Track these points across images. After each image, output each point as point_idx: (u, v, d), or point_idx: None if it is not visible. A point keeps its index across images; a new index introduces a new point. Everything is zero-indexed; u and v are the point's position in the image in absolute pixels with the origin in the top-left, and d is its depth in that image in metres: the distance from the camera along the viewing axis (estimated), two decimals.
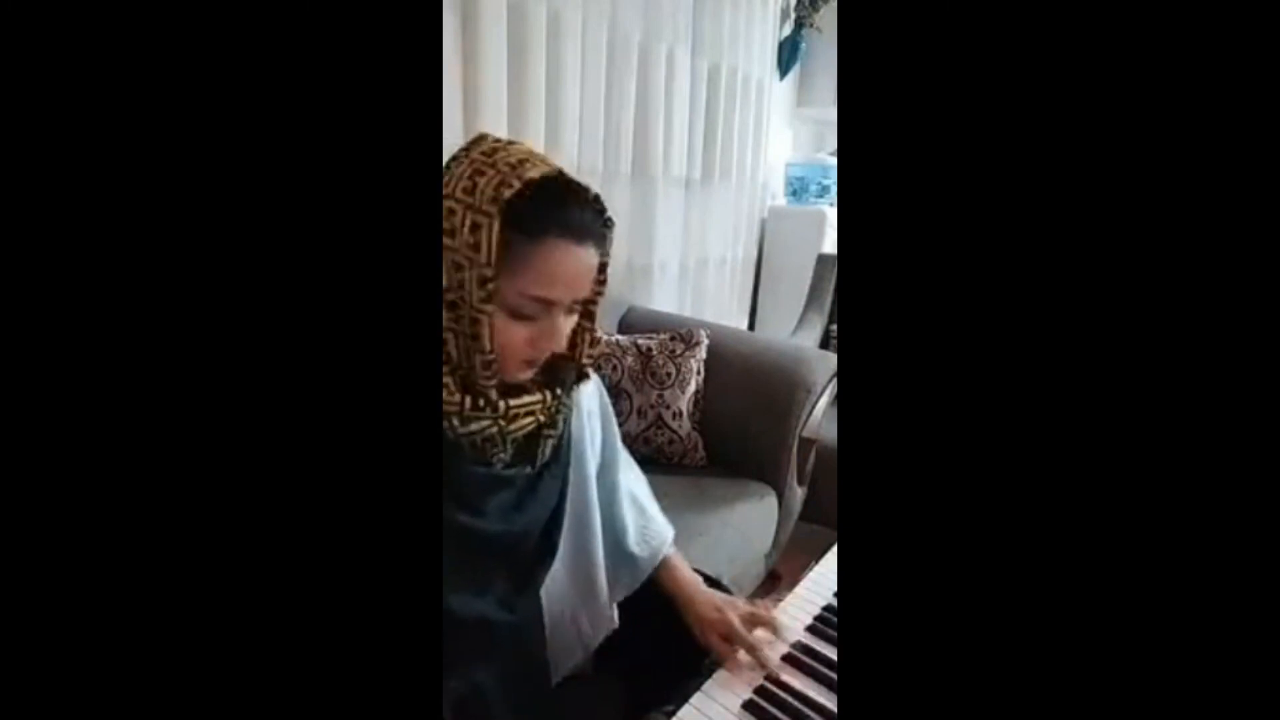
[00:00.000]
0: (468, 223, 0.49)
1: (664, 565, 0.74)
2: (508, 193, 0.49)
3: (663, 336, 1.32)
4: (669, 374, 1.28)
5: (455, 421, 0.52)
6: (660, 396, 1.27)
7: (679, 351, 1.30)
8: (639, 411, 1.27)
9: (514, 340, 0.53)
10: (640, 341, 1.32)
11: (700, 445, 1.28)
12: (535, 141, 1.38)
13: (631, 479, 0.77)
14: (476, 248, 0.49)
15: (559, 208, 0.51)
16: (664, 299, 1.91)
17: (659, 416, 1.26)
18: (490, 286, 0.49)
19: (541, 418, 0.58)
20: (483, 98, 1.25)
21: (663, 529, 0.76)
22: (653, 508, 0.78)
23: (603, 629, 0.69)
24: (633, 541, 0.73)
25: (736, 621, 0.65)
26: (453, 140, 1.21)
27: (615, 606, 0.71)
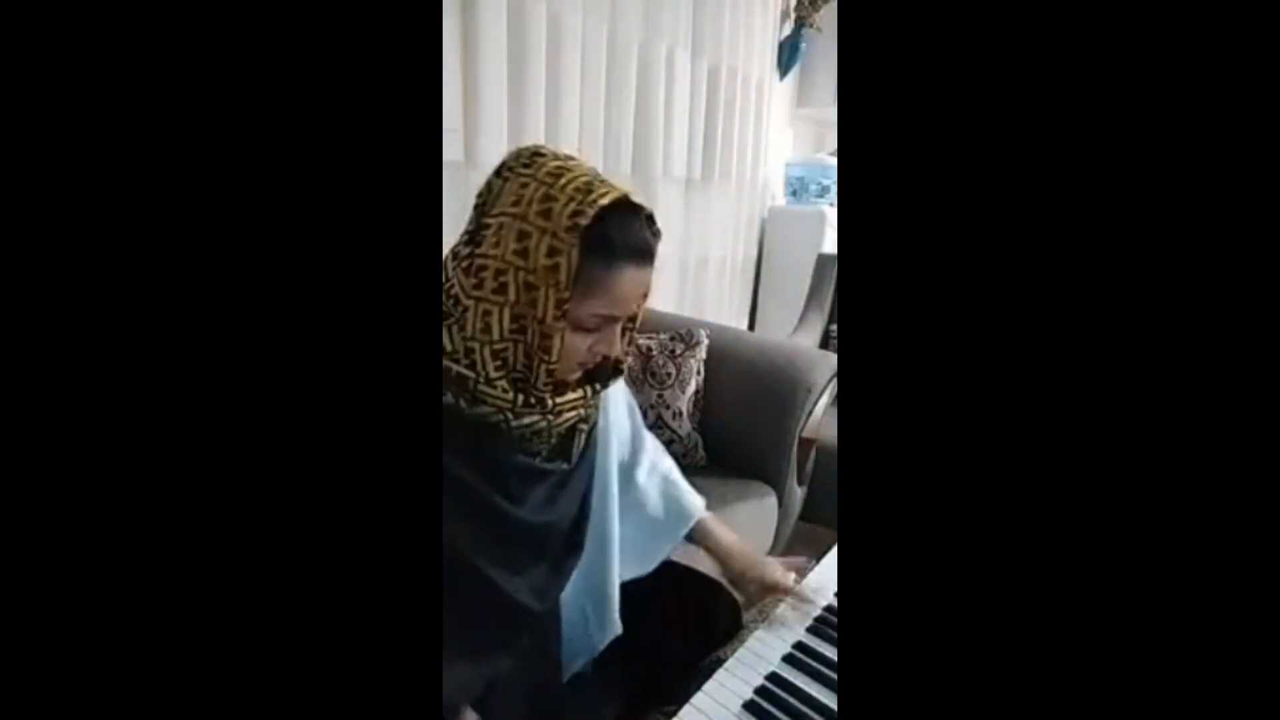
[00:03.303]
0: (544, 247, 0.51)
1: (700, 528, 0.78)
2: (584, 221, 0.51)
3: (663, 336, 1.32)
4: (669, 374, 1.28)
5: (509, 415, 0.55)
6: (660, 396, 1.27)
7: (679, 351, 1.29)
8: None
9: (577, 350, 0.56)
10: (640, 341, 1.31)
11: (700, 445, 1.28)
12: (535, 141, 1.38)
13: (661, 459, 0.82)
14: (554, 271, 0.51)
15: (629, 233, 0.54)
16: (664, 299, 1.91)
17: (659, 416, 1.26)
18: (565, 308, 0.52)
19: (582, 412, 0.61)
20: (483, 98, 1.25)
21: (694, 497, 0.81)
22: (682, 481, 0.82)
23: (608, 631, 0.70)
24: (664, 511, 0.77)
25: (771, 574, 0.71)
26: (452, 140, 1.21)
27: (619, 610, 0.71)
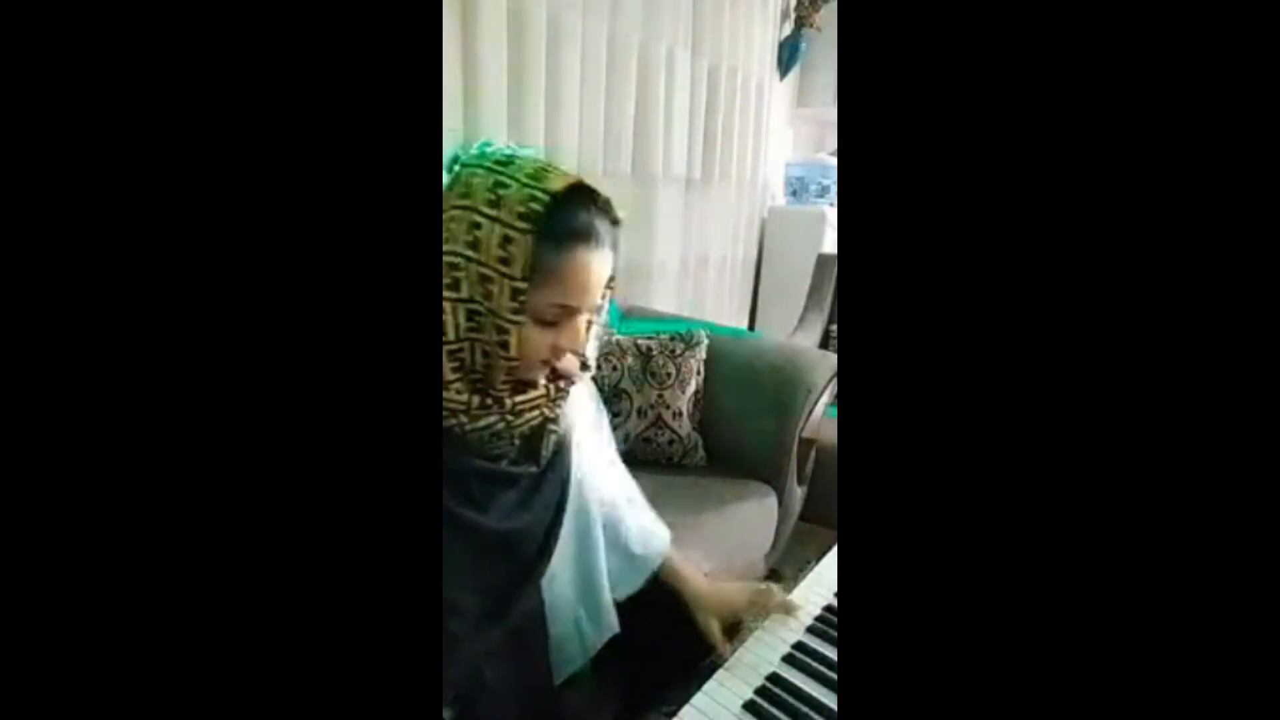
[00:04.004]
0: (496, 236, 0.50)
1: (665, 566, 0.75)
2: (536, 206, 0.49)
3: (663, 336, 1.32)
4: (669, 374, 1.28)
5: (463, 419, 0.53)
6: (660, 396, 1.27)
7: (679, 351, 1.29)
8: (639, 411, 1.26)
9: (538, 345, 0.54)
10: (640, 341, 1.31)
11: (700, 445, 1.28)
12: (535, 141, 1.38)
13: (626, 483, 0.78)
14: (507, 261, 0.50)
15: (582, 218, 0.52)
16: (664, 299, 1.90)
17: (659, 416, 1.26)
18: (522, 299, 0.50)
19: (545, 411, 0.59)
20: (483, 98, 1.25)
21: (661, 529, 0.78)
22: (648, 510, 0.79)
23: (603, 630, 0.70)
24: (636, 543, 0.74)
25: (741, 602, 0.69)
26: (452, 141, 1.21)
27: (615, 610, 0.71)
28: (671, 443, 1.26)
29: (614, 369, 1.28)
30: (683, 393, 1.27)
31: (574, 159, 1.50)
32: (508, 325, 0.51)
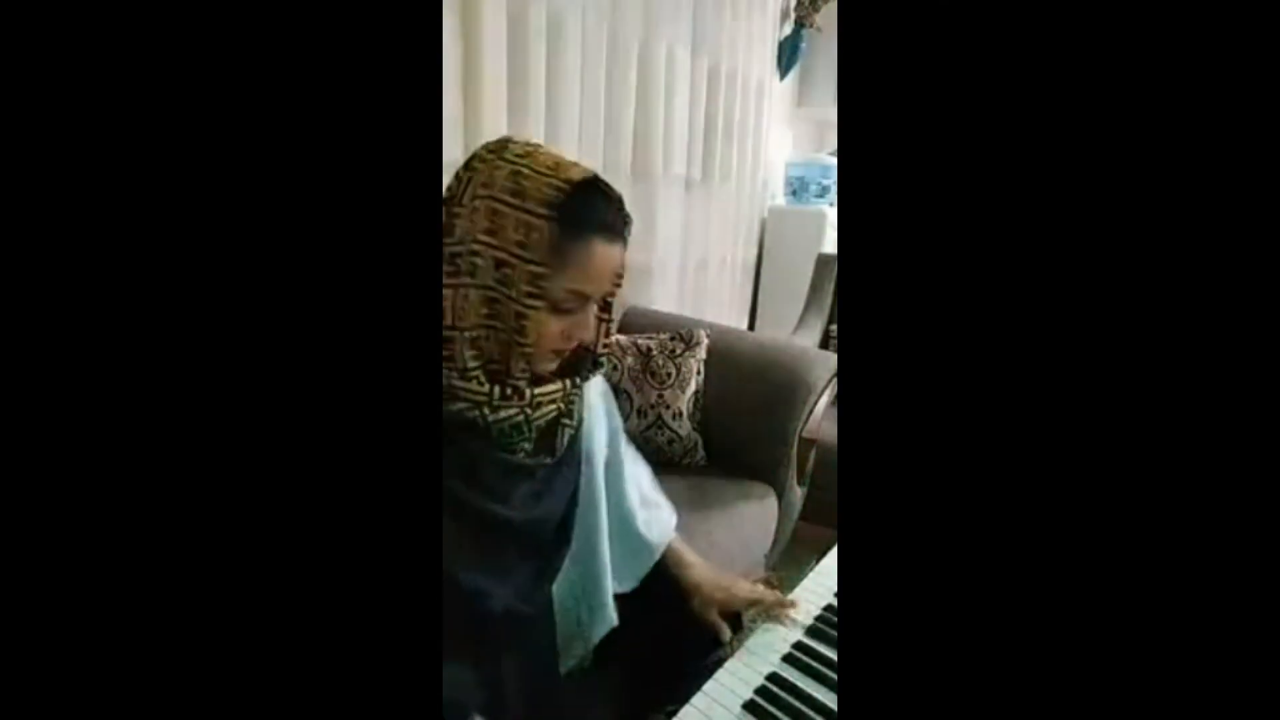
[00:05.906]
0: (515, 223, 0.52)
1: (669, 551, 0.77)
2: (555, 194, 0.51)
3: (663, 336, 1.32)
4: (669, 374, 1.28)
5: (485, 410, 0.54)
6: (660, 396, 1.27)
7: (679, 351, 1.29)
8: (639, 411, 1.27)
9: (550, 333, 0.56)
10: (640, 341, 1.32)
11: (700, 445, 1.28)
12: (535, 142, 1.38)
13: (638, 470, 0.80)
14: (525, 246, 0.52)
15: (599, 208, 0.54)
16: (664, 299, 1.91)
17: (659, 416, 1.26)
18: (541, 284, 0.52)
19: (561, 405, 0.60)
20: (483, 98, 1.25)
21: (668, 516, 0.80)
22: (658, 496, 0.81)
23: (602, 623, 0.70)
24: (641, 528, 0.76)
25: (742, 595, 0.71)
26: (452, 141, 1.21)
27: (614, 604, 0.71)
28: (671, 443, 1.26)
29: (614, 369, 1.29)
30: (683, 393, 1.27)
31: (574, 159, 1.50)
32: (525, 310, 0.52)
